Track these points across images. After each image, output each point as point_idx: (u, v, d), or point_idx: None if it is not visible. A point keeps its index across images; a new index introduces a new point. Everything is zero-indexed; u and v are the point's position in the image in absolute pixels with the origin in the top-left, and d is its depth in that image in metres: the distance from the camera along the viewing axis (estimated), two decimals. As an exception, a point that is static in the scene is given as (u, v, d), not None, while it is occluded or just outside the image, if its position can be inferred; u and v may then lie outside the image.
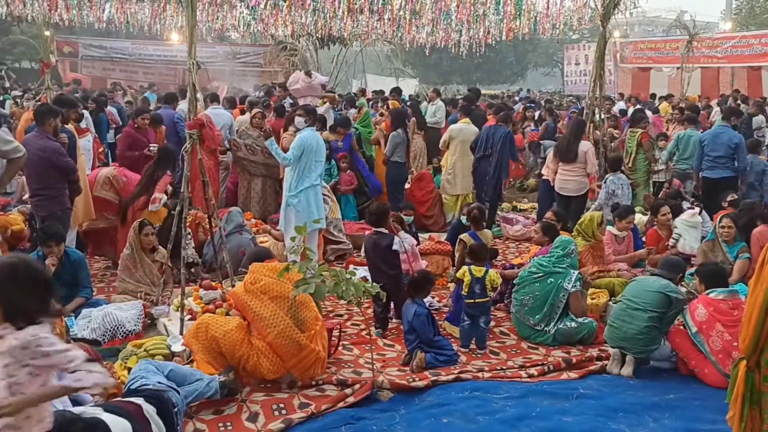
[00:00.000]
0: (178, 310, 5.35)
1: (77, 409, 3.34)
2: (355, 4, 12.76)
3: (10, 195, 9.01)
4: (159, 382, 3.75)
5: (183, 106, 9.72)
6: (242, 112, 11.26)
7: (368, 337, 5.18)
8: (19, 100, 14.35)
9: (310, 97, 12.46)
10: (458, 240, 6.62)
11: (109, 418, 3.19)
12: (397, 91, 14.72)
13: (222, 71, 23.11)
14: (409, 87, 22.73)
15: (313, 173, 6.70)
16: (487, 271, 5.34)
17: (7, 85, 20.49)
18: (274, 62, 21.80)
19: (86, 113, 9.72)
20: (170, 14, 16.04)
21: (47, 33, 14.36)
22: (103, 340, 5.21)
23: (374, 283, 4.62)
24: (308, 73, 12.80)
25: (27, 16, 16.73)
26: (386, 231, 5.76)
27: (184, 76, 24.41)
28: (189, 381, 3.98)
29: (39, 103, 9.93)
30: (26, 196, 7.57)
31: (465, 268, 5.44)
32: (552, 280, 5.45)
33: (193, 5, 5.16)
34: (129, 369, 4.49)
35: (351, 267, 7.10)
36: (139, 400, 3.49)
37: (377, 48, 20.65)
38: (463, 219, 7.32)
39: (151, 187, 6.88)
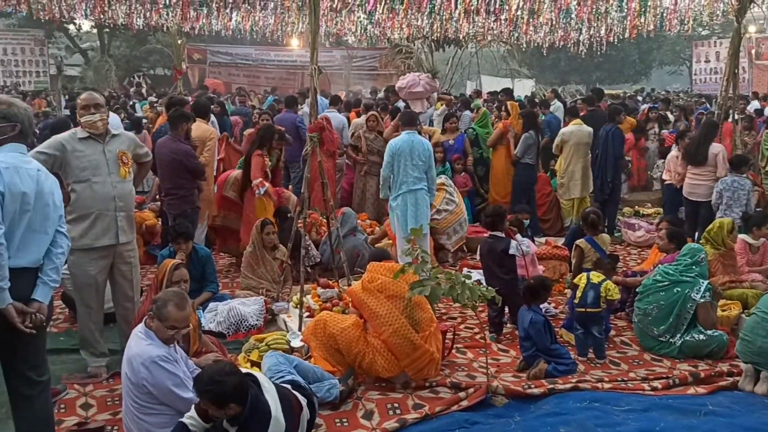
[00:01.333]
0: (297, 307, 5.53)
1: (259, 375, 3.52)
2: (472, 5, 12.65)
3: (145, 193, 9.64)
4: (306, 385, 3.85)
5: (306, 109, 10.04)
6: (358, 115, 11.47)
7: (482, 341, 5.15)
8: (154, 105, 15.32)
9: (425, 101, 12.50)
10: (574, 246, 6.41)
11: (274, 407, 3.31)
12: (507, 92, 14.47)
13: (339, 75, 23.67)
14: (525, 88, 22.35)
15: (409, 178, 6.70)
16: (604, 280, 5.16)
17: (144, 91, 21.97)
18: (390, 65, 22.09)
19: (212, 116, 10.21)
20: (291, 21, 16.58)
21: (179, 41, 15.29)
22: (228, 333, 5.50)
23: (489, 287, 4.57)
24: (434, 75, 12.83)
25: (162, 26, 17.87)
26: (502, 234, 5.68)
27: (303, 80, 25.33)
28: (311, 378, 4.09)
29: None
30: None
31: (583, 273, 5.29)
32: (679, 289, 5.18)
33: (316, 12, 5.31)
34: (252, 362, 4.70)
35: (465, 270, 7.07)
36: (303, 403, 3.59)
37: (493, 49, 20.45)
38: (583, 223, 7.09)
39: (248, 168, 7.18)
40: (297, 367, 4.04)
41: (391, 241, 7.54)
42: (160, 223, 7.60)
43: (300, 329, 5.23)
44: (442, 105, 11.35)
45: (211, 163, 7.37)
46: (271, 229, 6.48)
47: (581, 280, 5.18)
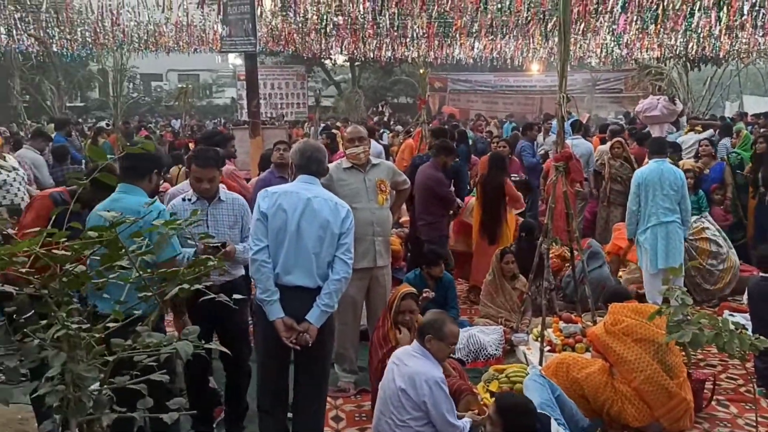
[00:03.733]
0: (537, 340, 5.40)
1: None
2: (737, 20, 11.54)
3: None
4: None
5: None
6: (602, 141, 10.98)
7: (749, 395, 4.59)
8: (399, 133, 16.13)
9: (666, 125, 11.69)
10: None
11: None
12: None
13: (581, 98, 22.92)
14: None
15: (659, 209, 6.20)
16: None
17: (386, 118, 23.15)
18: (637, 87, 20.94)
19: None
20: (533, 47, 16.50)
21: (421, 71, 15.96)
22: (467, 360, 5.52)
23: (761, 337, 4.06)
24: (672, 99, 12.04)
25: (407, 57, 18.84)
26: (777, 277, 5.03)
27: (542, 105, 24.95)
28: (567, 414, 3.93)
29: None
30: (402, 219, 8.42)
31: None
32: None
33: (566, 39, 5.20)
34: (490, 392, 4.67)
35: (726, 312, 6.37)
36: None
37: (759, 66, 18.46)
38: None
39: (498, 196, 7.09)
40: (558, 398, 3.90)
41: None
42: (403, 248, 7.88)
43: (540, 363, 5.08)
44: (696, 131, 10.50)
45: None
46: (510, 258, 6.43)
47: None
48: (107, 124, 13.00)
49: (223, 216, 4.10)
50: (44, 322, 2.06)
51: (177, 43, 17.49)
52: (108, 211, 3.36)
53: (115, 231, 2.06)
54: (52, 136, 10.57)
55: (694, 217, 7.61)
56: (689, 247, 7.08)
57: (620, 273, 7.56)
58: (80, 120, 17.13)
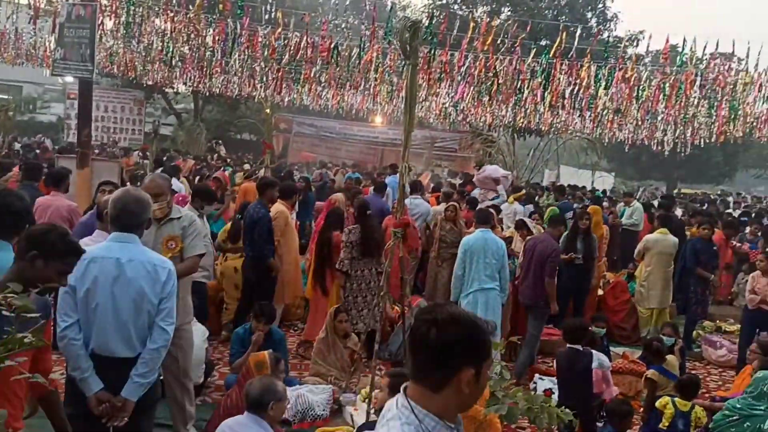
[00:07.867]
0: (365, 401, 5.45)
1: None
2: (559, 102, 12.77)
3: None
4: None
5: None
6: (437, 200, 11.44)
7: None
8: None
9: (484, 190, 12.47)
10: (644, 377, 6.08)
11: None
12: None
13: (420, 155, 23.97)
14: (606, 182, 22.08)
15: (481, 275, 6.61)
16: (693, 407, 4.91)
17: (221, 153, 22.32)
18: (469, 149, 22.33)
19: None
20: (378, 101, 17.07)
21: (267, 111, 15.90)
22: (294, 420, 5.43)
23: (566, 410, 4.41)
24: (478, 166, 13.02)
25: (254, 96, 18.76)
26: (582, 348, 5.51)
27: (384, 156, 25.77)
28: None
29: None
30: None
31: (667, 398, 5.06)
32: (749, 423, 4.69)
33: (411, 113, 5.39)
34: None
35: (536, 376, 6.86)
36: None
37: (574, 141, 20.42)
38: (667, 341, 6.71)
39: (327, 249, 7.25)
40: None
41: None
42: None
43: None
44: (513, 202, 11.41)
45: (282, 243, 7.41)
46: (344, 317, 6.49)
47: (667, 407, 4.94)
48: None
49: None
50: None
51: (1, 55, 16.10)
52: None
53: None
54: None
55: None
56: None
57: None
58: None
